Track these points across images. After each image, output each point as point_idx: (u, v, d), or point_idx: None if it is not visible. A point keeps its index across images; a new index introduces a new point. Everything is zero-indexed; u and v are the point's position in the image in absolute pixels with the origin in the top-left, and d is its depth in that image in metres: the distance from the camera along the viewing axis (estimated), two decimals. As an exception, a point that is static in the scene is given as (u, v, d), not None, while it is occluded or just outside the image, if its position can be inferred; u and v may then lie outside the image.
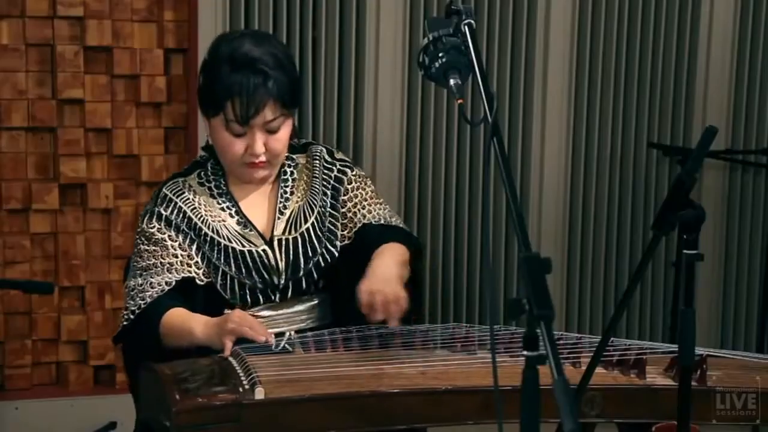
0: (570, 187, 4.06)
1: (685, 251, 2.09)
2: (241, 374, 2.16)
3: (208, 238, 2.48)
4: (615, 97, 4.04)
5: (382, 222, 2.62)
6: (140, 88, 3.70)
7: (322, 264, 2.55)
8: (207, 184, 2.54)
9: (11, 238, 3.68)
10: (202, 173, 2.56)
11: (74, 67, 3.64)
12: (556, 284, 4.05)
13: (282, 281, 2.50)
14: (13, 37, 3.60)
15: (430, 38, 1.98)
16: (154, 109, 3.75)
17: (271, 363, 2.22)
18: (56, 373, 3.81)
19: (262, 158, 2.45)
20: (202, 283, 2.48)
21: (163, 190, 2.53)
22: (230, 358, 2.25)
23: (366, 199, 2.62)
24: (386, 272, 2.41)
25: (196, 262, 2.48)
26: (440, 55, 1.96)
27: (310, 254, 2.52)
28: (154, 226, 2.48)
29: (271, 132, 2.43)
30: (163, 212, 2.49)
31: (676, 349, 2.17)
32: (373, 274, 2.41)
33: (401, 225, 2.68)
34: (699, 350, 2.25)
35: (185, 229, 2.48)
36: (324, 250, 2.55)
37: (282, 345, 2.32)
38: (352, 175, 2.62)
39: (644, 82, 4.06)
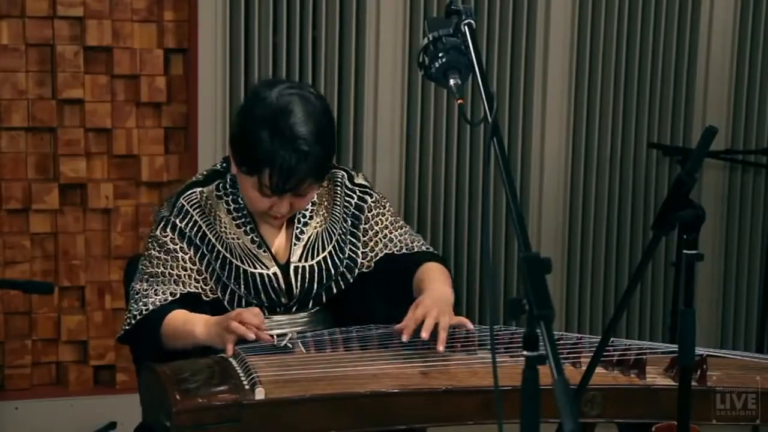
0: (570, 187, 4.06)
1: (685, 251, 2.09)
2: (241, 374, 2.16)
3: (221, 256, 2.46)
4: (615, 97, 4.05)
5: (405, 251, 2.60)
6: (140, 88, 3.70)
7: (334, 290, 2.54)
8: (225, 198, 2.50)
9: (11, 238, 3.68)
10: (221, 185, 2.52)
11: (74, 67, 3.64)
12: (556, 284, 4.05)
13: (291, 303, 2.50)
14: (13, 37, 3.60)
15: (430, 38, 1.98)
16: (154, 109, 3.75)
17: (271, 363, 2.22)
18: (56, 373, 3.81)
19: (284, 215, 2.45)
20: (207, 299, 2.47)
21: (181, 200, 2.49)
22: (230, 358, 2.25)
23: (387, 227, 2.60)
24: (444, 297, 2.42)
25: (204, 278, 2.46)
26: (440, 55, 1.96)
27: (324, 281, 2.52)
28: (168, 236, 2.46)
29: (299, 196, 2.42)
30: (178, 224, 2.46)
31: (676, 349, 2.17)
32: (432, 294, 2.40)
33: (425, 248, 2.64)
34: (699, 350, 2.25)
35: (198, 243, 2.46)
36: (339, 278, 2.54)
37: (284, 343, 2.32)
38: (372, 202, 2.59)
39: (644, 82, 4.06)
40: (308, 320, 2.54)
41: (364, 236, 2.58)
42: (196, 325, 2.37)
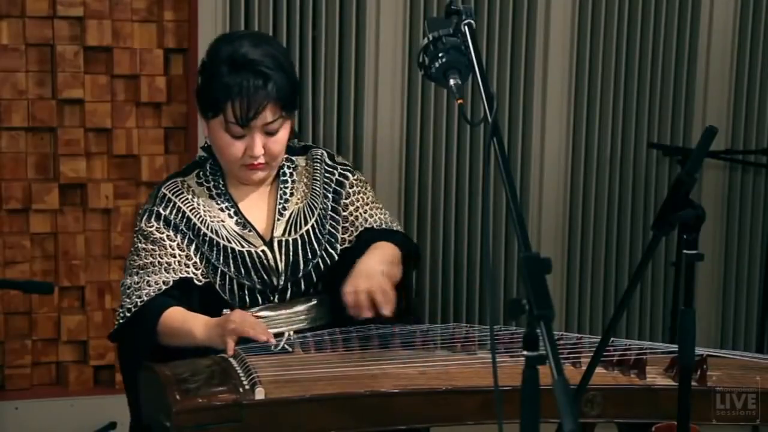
0: (570, 187, 4.06)
1: (685, 251, 2.09)
2: (241, 374, 2.16)
3: (207, 239, 2.48)
4: (615, 97, 4.04)
5: (384, 227, 2.63)
6: (140, 88, 3.70)
7: (322, 266, 2.55)
8: (206, 184, 2.54)
9: (11, 238, 3.68)
10: (201, 173, 2.56)
11: (74, 67, 3.64)
12: (556, 284, 4.05)
13: (281, 282, 2.50)
14: (13, 37, 3.60)
15: (430, 38, 1.98)
16: (154, 109, 3.75)
17: (271, 363, 2.22)
18: (56, 373, 3.81)
19: (261, 160, 2.45)
20: (200, 284, 2.48)
21: (162, 189, 2.53)
22: (230, 359, 2.25)
23: (367, 203, 2.64)
24: (368, 269, 2.43)
25: (195, 262, 2.48)
26: (440, 55, 1.96)
27: (310, 256, 2.53)
28: (153, 225, 2.48)
29: (270, 134, 2.44)
30: (162, 212, 2.49)
31: (676, 349, 2.17)
32: (356, 272, 2.43)
33: (400, 230, 2.69)
34: (699, 350, 2.25)
35: (184, 229, 2.48)
36: (324, 253, 2.56)
37: (281, 345, 2.32)
38: (354, 179, 2.63)
39: (644, 82, 4.06)
40: (306, 317, 2.54)
41: (344, 211, 2.61)
42: (195, 326, 2.37)
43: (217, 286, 2.47)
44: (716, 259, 4.24)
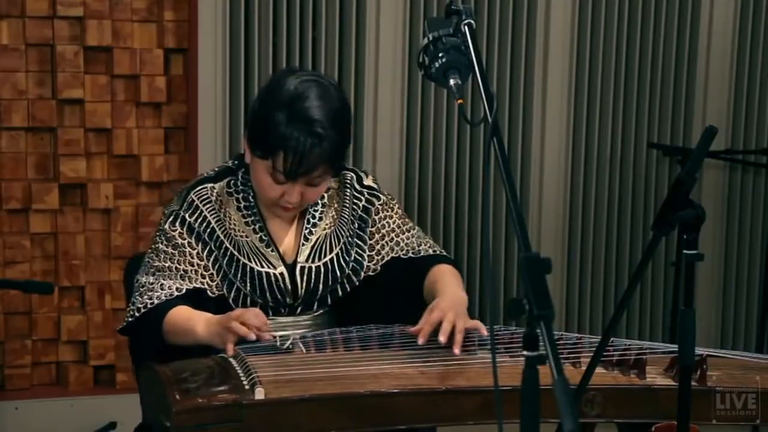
0: (570, 187, 4.06)
1: (685, 251, 2.09)
2: (241, 374, 2.15)
3: (229, 253, 2.46)
4: (615, 97, 4.05)
5: (411, 254, 2.60)
6: (140, 88, 3.70)
7: (340, 293, 2.54)
8: (235, 195, 2.50)
9: (11, 238, 3.68)
10: (232, 182, 2.51)
11: (74, 67, 3.64)
12: (556, 284, 4.05)
13: (296, 303, 2.50)
14: (13, 37, 3.60)
15: (430, 38, 1.98)
16: (154, 109, 3.75)
17: (271, 363, 2.22)
18: (56, 373, 3.81)
19: (296, 205, 2.44)
20: (213, 296, 2.47)
21: (191, 194, 2.48)
22: (230, 358, 2.25)
23: (394, 230, 2.60)
24: (457, 299, 2.42)
25: (211, 274, 2.46)
26: (440, 55, 1.96)
27: (330, 283, 2.51)
28: (177, 230, 2.46)
29: (311, 185, 2.42)
30: (187, 218, 2.46)
31: (676, 349, 2.17)
32: (446, 298, 2.40)
33: (432, 251, 2.64)
34: (699, 350, 2.25)
35: (206, 239, 2.46)
36: (345, 280, 2.54)
37: (287, 345, 2.32)
38: (380, 205, 2.59)
39: (644, 82, 4.06)
40: (311, 323, 2.53)
41: (370, 239, 2.58)
42: (197, 323, 2.37)
43: (231, 300, 2.46)
44: (716, 259, 4.24)
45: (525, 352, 1.54)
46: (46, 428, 3.73)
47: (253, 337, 2.26)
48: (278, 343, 2.30)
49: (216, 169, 2.58)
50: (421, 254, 2.60)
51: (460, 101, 1.91)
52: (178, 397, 2.06)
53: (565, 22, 3.95)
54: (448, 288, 2.47)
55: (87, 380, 3.80)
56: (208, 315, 2.39)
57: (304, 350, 2.34)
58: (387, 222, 2.60)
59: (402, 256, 2.59)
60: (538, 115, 3.98)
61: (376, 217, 2.59)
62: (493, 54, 3.89)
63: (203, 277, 2.45)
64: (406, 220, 2.65)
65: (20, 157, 3.67)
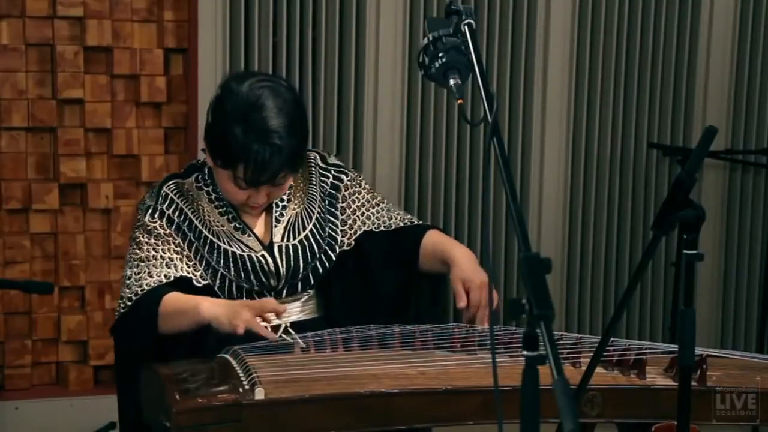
0: (570, 187, 4.06)
1: (685, 251, 2.09)
2: (241, 374, 2.16)
3: (208, 241, 2.48)
4: (615, 97, 4.04)
5: (383, 227, 2.64)
6: (140, 88, 3.70)
7: (320, 269, 2.56)
8: (205, 188, 2.54)
9: (11, 238, 3.68)
10: (200, 177, 2.56)
11: (74, 67, 3.64)
12: (556, 284, 4.05)
13: (280, 285, 2.51)
14: (13, 37, 3.60)
15: (430, 38, 1.98)
16: (154, 109, 3.75)
17: (271, 363, 2.22)
18: (56, 373, 3.81)
19: (263, 204, 2.49)
20: (199, 285, 2.47)
21: (164, 189, 2.52)
22: (230, 359, 2.25)
23: (364, 204, 2.65)
24: (473, 261, 2.49)
25: (194, 264, 2.48)
26: (440, 55, 1.96)
27: (309, 260, 2.53)
28: (156, 221, 2.48)
29: (276, 185, 2.44)
30: (165, 210, 2.49)
31: (676, 349, 2.17)
32: (467, 265, 2.46)
33: (408, 220, 2.68)
34: (699, 350, 2.25)
35: (185, 230, 2.48)
36: (323, 256, 2.56)
37: (296, 339, 2.34)
38: (348, 181, 2.64)
39: (644, 82, 4.06)
40: (300, 308, 2.56)
41: (342, 214, 2.62)
42: (201, 300, 2.35)
43: (216, 288, 2.47)
44: (716, 259, 4.24)
45: (525, 352, 1.54)
46: (46, 428, 3.73)
47: (264, 333, 2.26)
48: (290, 338, 2.32)
49: (182, 168, 2.63)
50: (392, 228, 2.64)
51: (460, 101, 1.91)
52: (178, 397, 2.06)
53: (565, 22, 3.95)
54: (455, 250, 2.51)
55: (87, 380, 3.80)
56: (213, 298, 2.39)
57: (302, 351, 2.34)
58: (356, 197, 2.64)
59: (374, 229, 2.63)
60: (538, 115, 3.98)
61: (346, 193, 2.63)
62: (493, 54, 3.89)
63: (188, 266, 2.46)
64: (375, 194, 2.69)
65: (20, 157, 3.67)
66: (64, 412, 3.74)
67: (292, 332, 2.41)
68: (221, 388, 2.11)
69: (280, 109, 2.38)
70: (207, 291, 2.47)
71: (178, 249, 2.47)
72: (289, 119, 2.39)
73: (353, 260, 2.61)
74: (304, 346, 2.34)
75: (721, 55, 4.12)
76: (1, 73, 3.61)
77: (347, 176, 2.64)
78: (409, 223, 2.66)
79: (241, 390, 2.09)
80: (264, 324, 2.28)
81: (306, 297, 2.57)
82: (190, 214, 2.49)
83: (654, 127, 4.10)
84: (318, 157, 2.64)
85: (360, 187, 2.66)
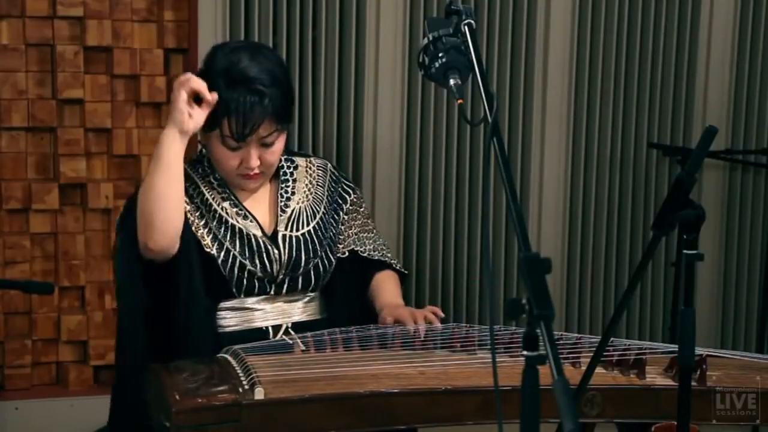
0: (570, 187, 4.06)
1: (685, 251, 2.09)
2: (241, 374, 2.16)
3: (217, 215, 2.53)
4: (615, 97, 4.04)
5: (366, 255, 2.73)
6: (140, 88, 3.70)
7: (321, 269, 2.58)
8: (207, 177, 2.58)
9: (11, 238, 3.68)
10: (201, 168, 2.61)
11: (74, 67, 3.64)
12: (556, 284, 4.04)
13: (281, 274, 2.52)
14: (13, 37, 3.60)
15: (430, 38, 1.99)
16: (154, 109, 3.75)
17: (271, 363, 2.23)
18: (56, 373, 3.81)
19: (257, 170, 2.52)
20: (206, 250, 2.49)
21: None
22: (230, 358, 2.25)
23: (357, 228, 2.75)
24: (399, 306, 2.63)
25: (202, 233, 2.51)
26: (440, 55, 1.96)
27: (311, 255, 2.55)
28: None
29: (266, 146, 2.48)
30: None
31: (676, 349, 2.17)
32: (389, 305, 2.62)
33: (385, 258, 2.78)
34: (699, 350, 2.25)
35: (198, 202, 2.53)
36: (324, 255, 2.59)
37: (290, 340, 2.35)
38: (352, 200, 2.74)
39: (644, 82, 4.06)
40: (303, 308, 2.57)
41: (341, 224, 2.70)
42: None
43: (219, 262, 2.49)
44: (716, 259, 4.24)
45: (525, 352, 1.54)
46: (46, 428, 3.73)
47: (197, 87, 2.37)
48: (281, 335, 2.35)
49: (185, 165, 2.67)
50: (375, 258, 2.74)
51: (460, 101, 1.91)
52: (177, 397, 2.06)
53: (565, 22, 3.95)
54: (396, 299, 2.67)
55: (87, 380, 3.80)
56: None
57: (302, 351, 2.34)
58: (354, 221, 2.74)
59: (360, 252, 2.72)
60: (538, 115, 3.98)
61: (348, 207, 2.73)
62: (493, 54, 3.89)
63: (197, 229, 2.49)
64: (368, 221, 2.79)
65: (20, 157, 3.67)
66: (64, 412, 3.74)
67: (292, 333, 2.42)
68: (221, 388, 2.12)
69: (260, 63, 2.47)
70: (210, 263, 2.48)
71: (191, 209, 2.49)
72: (270, 71, 2.47)
73: (339, 273, 2.68)
74: (290, 342, 2.37)
75: (721, 55, 4.12)
76: (1, 73, 3.60)
77: (352, 195, 2.75)
78: (384, 259, 2.76)
79: (240, 390, 2.09)
80: None
81: (308, 298, 2.58)
82: (202, 187, 2.55)
83: (654, 127, 4.09)
84: (331, 166, 2.74)
85: (358, 213, 2.76)
